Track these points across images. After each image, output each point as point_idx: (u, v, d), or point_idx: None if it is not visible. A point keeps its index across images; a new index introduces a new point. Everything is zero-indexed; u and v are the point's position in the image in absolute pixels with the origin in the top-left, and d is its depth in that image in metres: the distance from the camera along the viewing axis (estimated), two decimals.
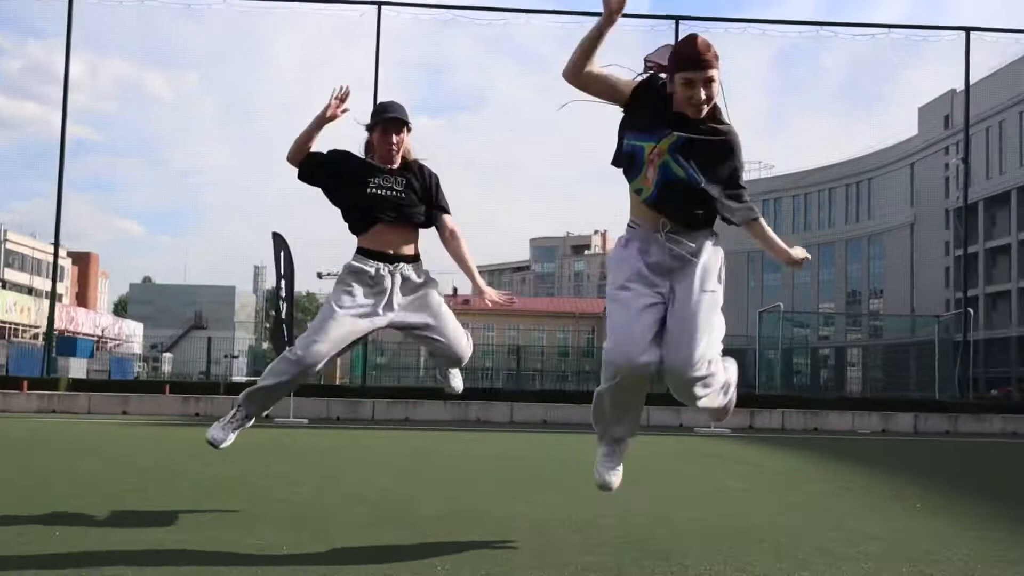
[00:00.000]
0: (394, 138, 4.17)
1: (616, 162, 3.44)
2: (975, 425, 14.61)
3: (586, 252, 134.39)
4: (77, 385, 14.82)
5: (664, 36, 15.77)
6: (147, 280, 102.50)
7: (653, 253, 3.38)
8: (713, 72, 3.20)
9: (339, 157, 4.25)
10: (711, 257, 3.44)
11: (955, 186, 69.47)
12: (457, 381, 4.70)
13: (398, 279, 4.14)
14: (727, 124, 3.37)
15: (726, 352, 3.55)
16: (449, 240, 4.31)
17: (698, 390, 3.34)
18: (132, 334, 71.98)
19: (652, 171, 3.28)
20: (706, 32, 17.24)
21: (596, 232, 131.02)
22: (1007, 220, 64.77)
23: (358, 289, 4.11)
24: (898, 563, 3.40)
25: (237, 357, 51.24)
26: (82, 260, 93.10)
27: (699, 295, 3.34)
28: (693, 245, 3.39)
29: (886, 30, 16.25)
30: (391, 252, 4.15)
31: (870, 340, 57.34)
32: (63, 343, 49.15)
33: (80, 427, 10.62)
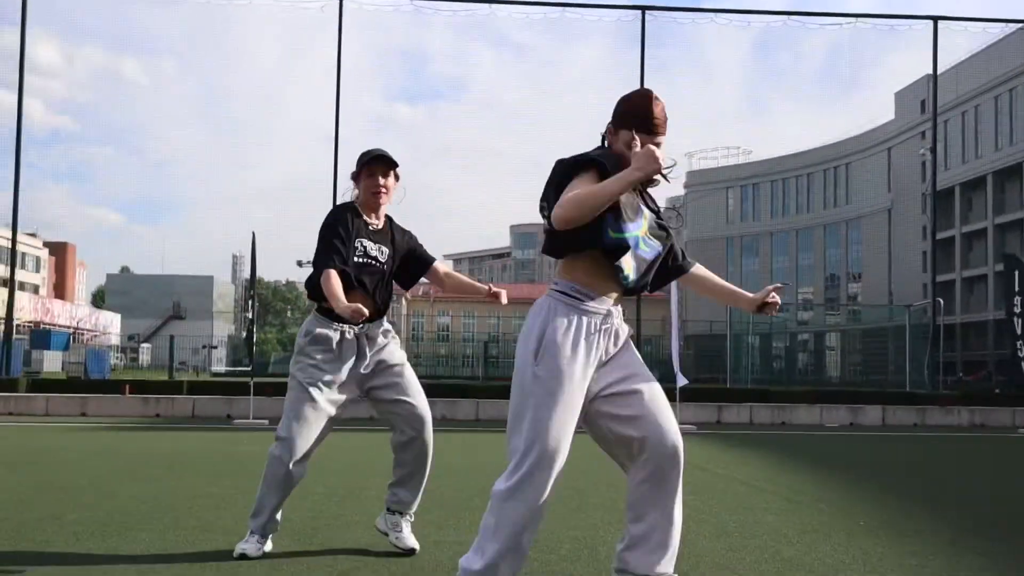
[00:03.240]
0: (380, 180, 3.96)
1: (558, 251, 2.93)
2: (942, 418, 14.58)
3: None
4: (35, 386, 14.54)
5: (631, 27, 15.61)
6: (125, 270, 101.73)
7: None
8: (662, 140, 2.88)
9: (341, 232, 3.91)
10: None
11: (931, 171, 69.75)
12: (411, 539, 4.01)
13: (364, 341, 3.95)
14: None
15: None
16: (446, 280, 4.28)
17: None
18: (109, 325, 71.53)
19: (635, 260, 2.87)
20: (674, 22, 17.16)
21: None
22: (983, 204, 65.09)
23: (325, 361, 3.88)
24: None
25: (216, 347, 50.96)
26: (59, 250, 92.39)
27: None
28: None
29: (853, 19, 16.12)
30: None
31: (848, 325, 57.57)
32: (37, 336, 48.78)
33: (31, 433, 10.39)
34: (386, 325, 4.11)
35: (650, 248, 2.88)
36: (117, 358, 50.11)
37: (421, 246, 4.21)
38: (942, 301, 17.44)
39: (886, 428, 13.90)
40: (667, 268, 3.05)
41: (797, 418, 14.33)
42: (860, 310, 59.19)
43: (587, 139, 3.18)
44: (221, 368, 47.95)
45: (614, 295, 2.90)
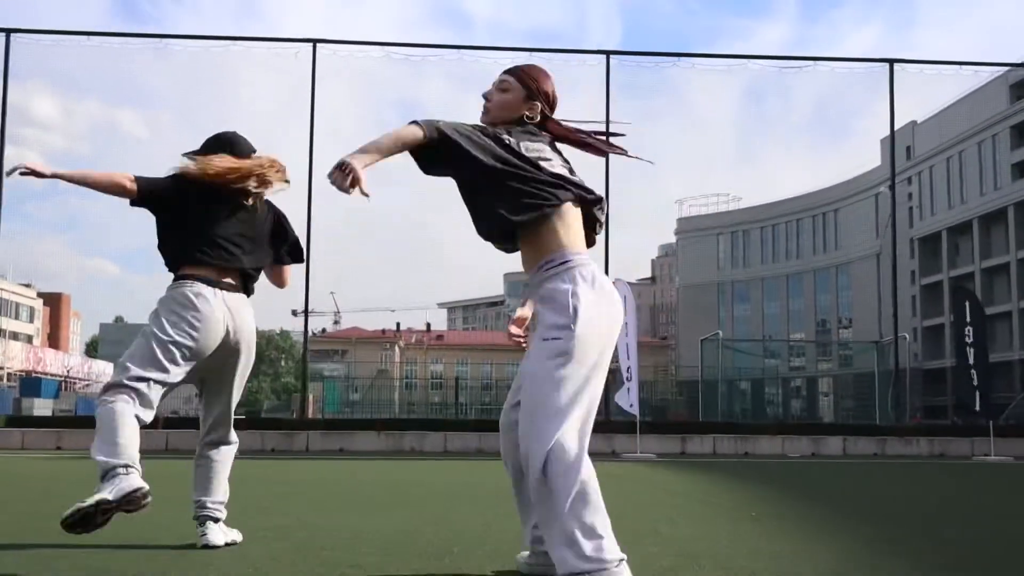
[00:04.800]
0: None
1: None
2: (902, 447, 14.87)
3: None
4: (11, 422, 14.84)
5: (595, 72, 16.13)
6: (119, 320, 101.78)
7: None
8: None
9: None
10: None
11: (918, 216, 70.40)
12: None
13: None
14: None
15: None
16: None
17: None
18: (101, 373, 71.57)
19: None
20: (638, 67, 17.76)
21: None
22: (969, 250, 65.67)
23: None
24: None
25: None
26: (54, 301, 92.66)
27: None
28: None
29: (812, 63, 16.64)
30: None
31: (832, 370, 57.79)
32: (27, 384, 49.02)
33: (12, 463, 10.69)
34: None
35: None
36: None
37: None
38: (906, 336, 17.77)
39: (848, 457, 14.20)
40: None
41: (759, 448, 14.62)
42: (845, 352, 59.35)
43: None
44: (187, 416, 48.02)
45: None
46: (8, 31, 14.98)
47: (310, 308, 15.79)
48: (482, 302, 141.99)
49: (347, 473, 9.17)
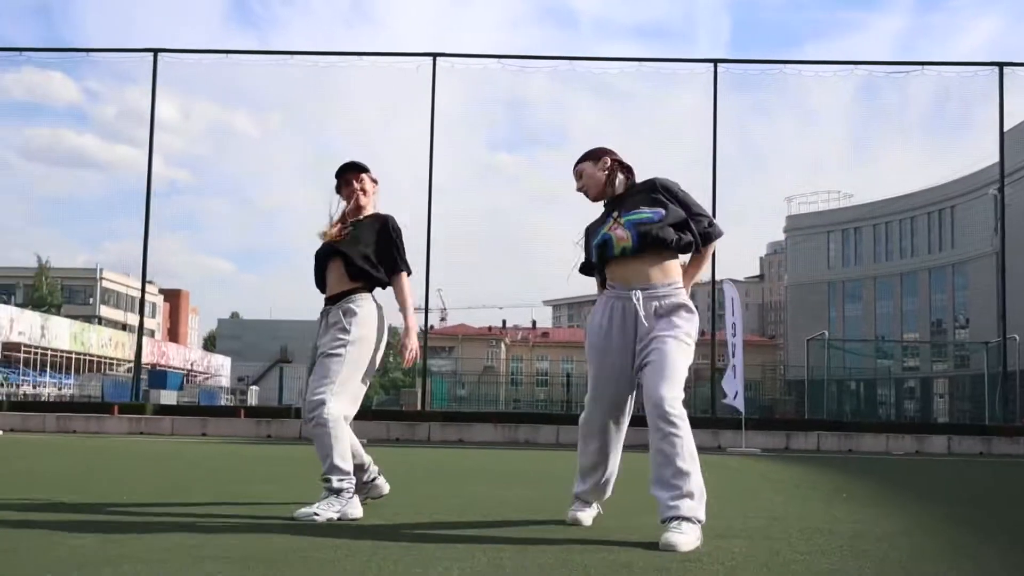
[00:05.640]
0: (355, 184, 4.65)
1: (587, 268, 4.27)
2: (1009, 447, 14.99)
3: None
4: (161, 410, 16.19)
5: (703, 80, 16.65)
6: (235, 315, 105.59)
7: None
8: (579, 167, 4.23)
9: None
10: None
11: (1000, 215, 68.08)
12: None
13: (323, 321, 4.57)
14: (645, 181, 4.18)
15: None
16: (398, 288, 4.67)
17: None
18: (220, 367, 74.61)
19: (624, 233, 3.97)
20: (744, 73, 18.15)
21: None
22: None
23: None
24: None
25: None
26: (173, 297, 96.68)
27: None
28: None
29: (921, 68, 16.85)
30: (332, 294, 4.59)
31: (948, 371, 56.51)
32: (154, 376, 51.53)
33: (157, 445, 11.88)
34: (347, 306, 4.50)
35: (629, 225, 3.96)
36: (227, 399, 52.52)
37: (397, 249, 4.61)
38: (1017, 338, 17.82)
39: (951, 455, 14.44)
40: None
41: (863, 446, 14.96)
42: (964, 354, 58.01)
43: (683, 180, 4.27)
44: None
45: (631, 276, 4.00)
46: (156, 51, 16.30)
47: (419, 306, 16.84)
48: (587, 300, 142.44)
49: (491, 459, 9.99)
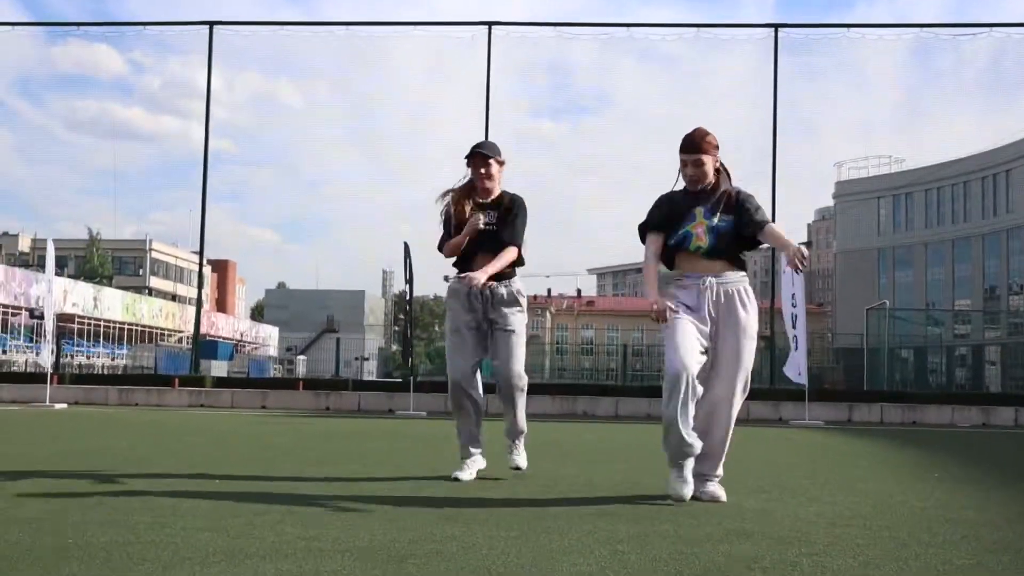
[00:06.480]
0: (482, 169, 4.91)
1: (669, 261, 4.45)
2: None
3: None
4: (221, 382, 16.34)
5: (764, 44, 16.30)
6: (281, 286, 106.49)
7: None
8: (702, 156, 4.27)
9: (447, 220, 5.02)
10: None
11: None
12: (520, 458, 5.14)
13: (488, 295, 4.88)
14: (733, 187, 4.39)
15: None
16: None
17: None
18: (268, 337, 75.32)
19: (703, 233, 4.31)
20: (806, 38, 17.76)
21: None
22: None
23: (459, 309, 4.93)
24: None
25: (368, 359, 53.18)
26: (220, 267, 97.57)
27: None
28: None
29: (988, 29, 16.36)
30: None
31: (1001, 339, 55.58)
32: (205, 346, 51.94)
33: (223, 419, 11.96)
34: (513, 286, 4.97)
35: (711, 230, 4.31)
36: (275, 368, 53.03)
37: (516, 219, 4.96)
38: None
39: (1019, 428, 14.15)
40: (744, 236, 4.37)
41: (927, 418, 14.71)
42: (1019, 321, 57.06)
43: (730, 148, 4.61)
44: (372, 379, 49.98)
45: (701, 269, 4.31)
46: (211, 23, 16.28)
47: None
48: (631, 268, 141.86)
49: (562, 433, 9.92)
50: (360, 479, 5.03)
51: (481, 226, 4.82)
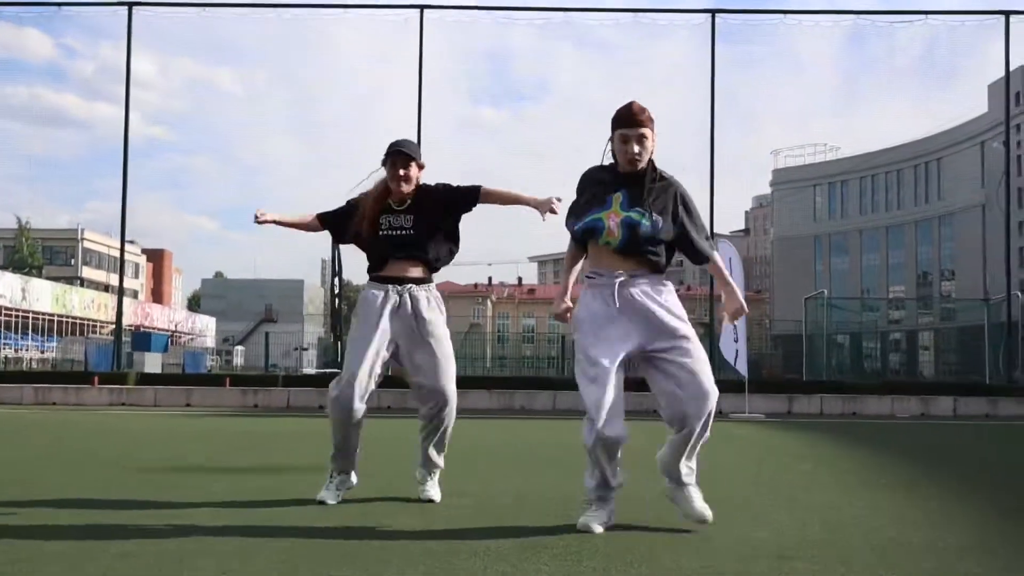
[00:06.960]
0: (401, 171, 4.45)
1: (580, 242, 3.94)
2: (1016, 408, 14.65)
3: None
4: (144, 379, 15.66)
5: (702, 30, 16.05)
6: (219, 275, 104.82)
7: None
8: (645, 131, 3.76)
9: (349, 210, 4.62)
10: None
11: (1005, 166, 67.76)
12: (434, 490, 4.61)
13: (407, 299, 4.41)
14: (668, 176, 3.87)
15: None
16: (500, 196, 4.57)
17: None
18: (205, 328, 73.95)
19: (615, 227, 3.74)
20: (744, 24, 17.57)
21: None
22: None
23: (371, 314, 4.40)
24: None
25: (307, 349, 52.40)
26: (156, 257, 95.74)
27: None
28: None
29: (924, 17, 16.28)
30: (401, 276, 4.45)
31: (934, 324, 56.43)
32: (138, 338, 50.79)
33: (141, 419, 11.36)
34: (436, 292, 4.56)
35: (625, 224, 3.75)
36: (212, 360, 51.99)
37: (457, 188, 4.57)
38: (1020, 294, 17.44)
39: (958, 418, 14.09)
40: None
41: (867, 409, 14.59)
42: (951, 307, 58.02)
43: (667, 136, 4.14)
44: (312, 370, 49.25)
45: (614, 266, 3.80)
46: (130, 4, 15.56)
47: None
48: None
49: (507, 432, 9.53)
50: (253, 504, 4.56)
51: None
